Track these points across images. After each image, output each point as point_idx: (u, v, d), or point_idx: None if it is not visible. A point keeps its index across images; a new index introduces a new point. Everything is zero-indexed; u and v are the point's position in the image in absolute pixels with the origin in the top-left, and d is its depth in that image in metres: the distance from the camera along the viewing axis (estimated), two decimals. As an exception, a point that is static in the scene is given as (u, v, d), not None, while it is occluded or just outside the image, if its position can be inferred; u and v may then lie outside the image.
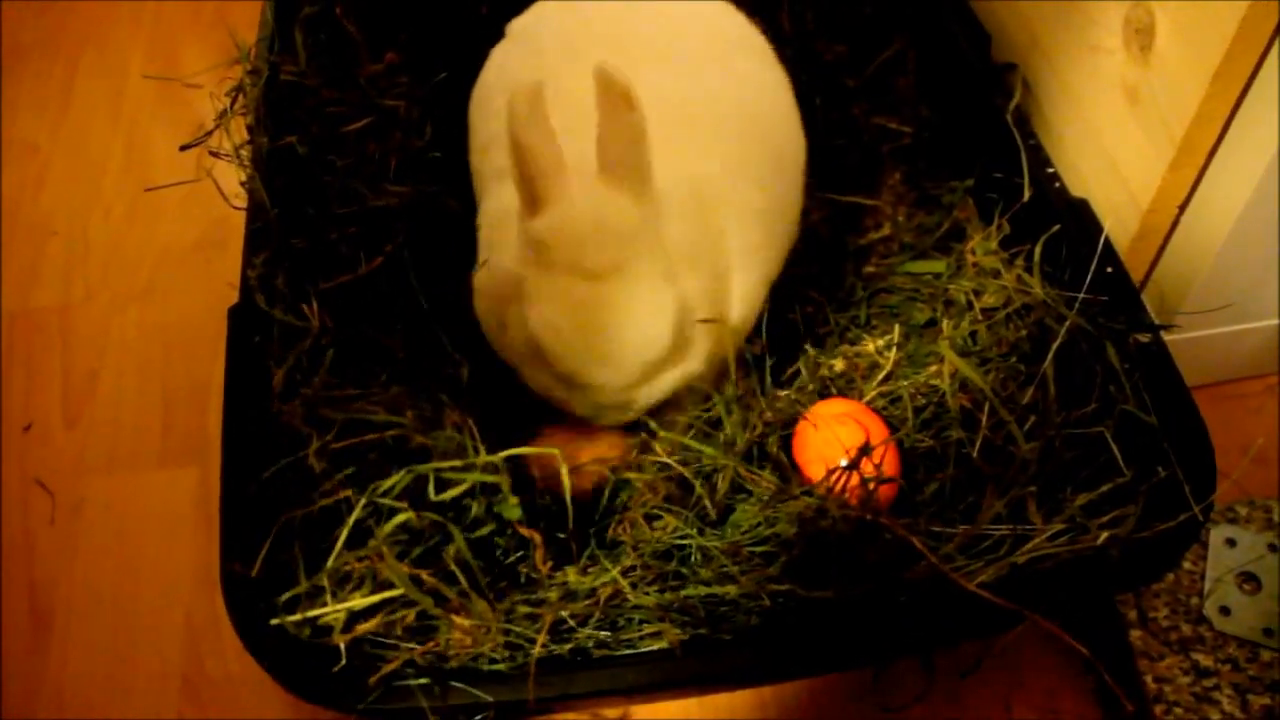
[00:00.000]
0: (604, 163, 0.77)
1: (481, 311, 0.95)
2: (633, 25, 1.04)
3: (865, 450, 0.87)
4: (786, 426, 0.96)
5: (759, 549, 0.86)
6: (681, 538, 0.87)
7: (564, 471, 0.85)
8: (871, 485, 0.86)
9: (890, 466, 0.92)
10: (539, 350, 0.83)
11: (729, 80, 1.03)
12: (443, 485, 0.84)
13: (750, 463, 0.91)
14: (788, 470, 0.92)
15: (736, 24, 1.12)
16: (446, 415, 0.94)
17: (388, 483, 0.83)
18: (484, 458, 0.84)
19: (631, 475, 0.90)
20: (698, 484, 0.88)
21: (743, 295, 0.93)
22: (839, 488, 0.86)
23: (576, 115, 0.80)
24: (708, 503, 0.88)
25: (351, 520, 0.81)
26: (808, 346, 1.07)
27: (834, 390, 1.03)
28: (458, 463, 0.84)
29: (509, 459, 0.86)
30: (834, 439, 0.90)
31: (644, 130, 0.76)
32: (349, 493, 0.83)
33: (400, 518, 0.81)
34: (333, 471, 0.87)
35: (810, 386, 1.03)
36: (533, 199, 0.78)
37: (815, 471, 0.91)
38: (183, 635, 1.13)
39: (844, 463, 0.87)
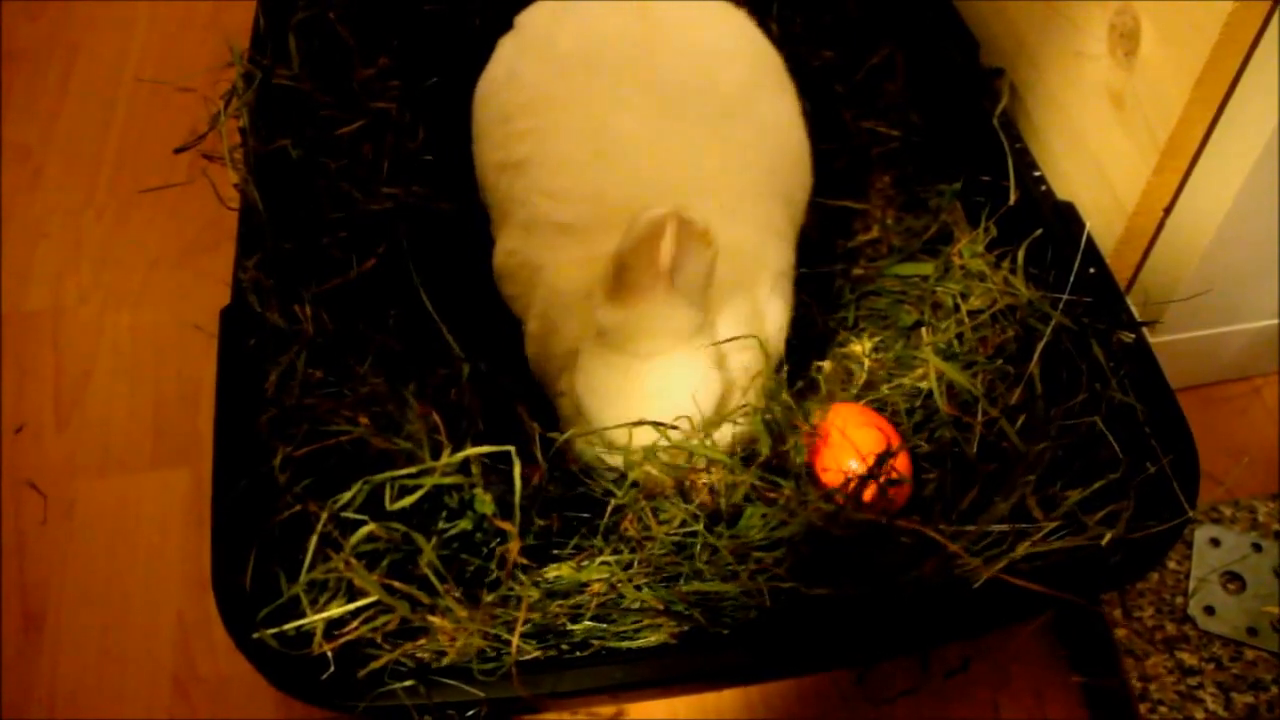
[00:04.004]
0: (677, 281, 0.85)
1: (531, 356, 1.02)
2: (654, 42, 1.04)
3: (887, 455, 0.88)
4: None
5: (768, 554, 0.85)
6: (689, 534, 0.86)
7: (516, 471, 0.84)
8: (891, 491, 0.88)
9: (904, 470, 0.93)
10: (580, 411, 0.91)
11: (751, 128, 1.04)
12: (408, 490, 0.84)
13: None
14: (805, 479, 0.92)
15: (750, 40, 1.12)
16: (411, 415, 0.94)
17: (345, 496, 0.82)
18: (444, 460, 0.84)
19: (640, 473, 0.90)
20: (717, 484, 0.88)
21: (774, 342, 0.97)
22: (855, 492, 0.87)
23: (610, 139, 0.97)
24: (722, 503, 0.88)
25: (316, 534, 0.81)
26: (822, 360, 1.08)
27: (824, 392, 1.04)
28: (412, 470, 0.84)
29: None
30: (850, 444, 0.92)
31: (714, 262, 0.85)
32: (300, 507, 0.84)
33: (364, 530, 0.81)
34: (294, 484, 0.87)
35: (823, 391, 1.03)
36: (615, 293, 0.85)
37: (828, 476, 0.92)
38: (174, 635, 1.14)
39: (857, 466, 0.89)
